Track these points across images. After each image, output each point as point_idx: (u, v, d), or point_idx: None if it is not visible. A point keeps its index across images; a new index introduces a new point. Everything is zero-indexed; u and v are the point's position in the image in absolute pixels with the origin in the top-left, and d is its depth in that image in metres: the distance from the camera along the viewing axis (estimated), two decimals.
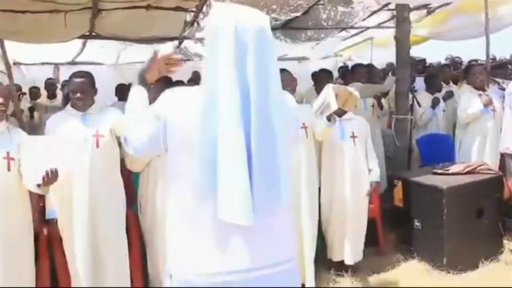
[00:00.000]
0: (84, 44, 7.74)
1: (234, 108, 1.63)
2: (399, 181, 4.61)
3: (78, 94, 3.28)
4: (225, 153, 1.63)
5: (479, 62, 7.72)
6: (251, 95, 1.65)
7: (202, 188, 1.68)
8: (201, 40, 7.53)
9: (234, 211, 1.62)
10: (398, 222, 4.64)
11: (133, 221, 3.70)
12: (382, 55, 9.45)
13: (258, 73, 1.65)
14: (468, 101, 5.13)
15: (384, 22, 7.95)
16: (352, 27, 8.05)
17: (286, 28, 7.40)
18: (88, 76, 3.36)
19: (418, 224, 4.41)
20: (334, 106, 3.62)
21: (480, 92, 5.13)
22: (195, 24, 6.50)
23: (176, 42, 7.95)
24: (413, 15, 7.74)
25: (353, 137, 4.23)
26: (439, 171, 4.58)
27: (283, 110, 1.73)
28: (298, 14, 6.36)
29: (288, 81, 3.68)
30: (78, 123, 3.33)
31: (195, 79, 8.04)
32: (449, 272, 4.12)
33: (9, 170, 3.05)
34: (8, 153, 3.06)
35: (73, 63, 9.17)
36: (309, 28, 7.70)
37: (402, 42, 5.12)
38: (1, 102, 3.04)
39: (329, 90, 3.66)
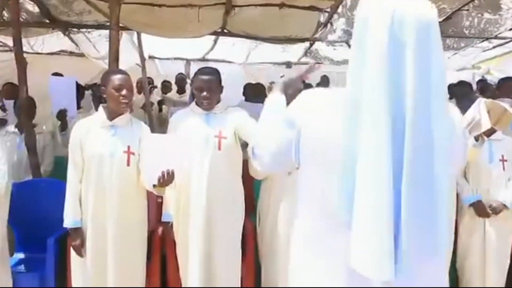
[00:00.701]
0: (215, 41, 7.75)
1: (383, 119, 1.24)
2: None
3: (204, 93, 3.09)
4: (367, 178, 1.25)
5: None
6: (407, 104, 1.25)
7: (336, 215, 1.34)
8: (333, 43, 7.21)
9: (369, 261, 1.25)
10: None
11: (250, 233, 3.47)
12: None
13: (418, 77, 1.25)
14: None
15: None
16: (497, 37, 7.27)
17: None
18: (215, 73, 3.17)
19: None
20: (486, 125, 3.16)
21: None
22: (329, 25, 6.20)
23: (307, 44, 7.70)
24: None
25: (503, 160, 3.67)
26: None
27: (448, 126, 1.31)
28: (440, 19, 5.79)
29: None
30: (201, 122, 3.14)
31: (323, 83, 7.75)
32: None
33: (128, 165, 2.97)
34: (129, 147, 2.98)
35: (203, 59, 9.29)
36: (450, 36, 7.08)
37: None
38: (124, 94, 2.94)
39: (480, 105, 3.20)
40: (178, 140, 2.92)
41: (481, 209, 3.62)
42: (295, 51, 8.16)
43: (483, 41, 7.42)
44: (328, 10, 5.69)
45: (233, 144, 3.14)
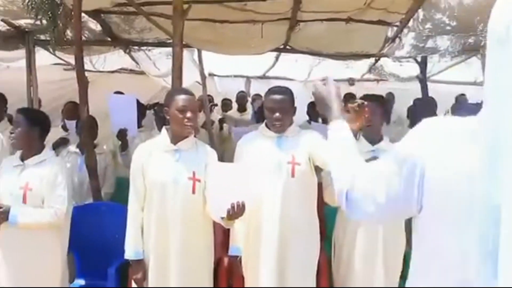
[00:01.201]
0: (277, 58, 7.55)
1: None
2: None
3: (277, 114, 2.83)
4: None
5: None
6: None
7: (466, 281, 1.03)
8: (400, 58, 6.84)
9: None
10: None
11: (325, 267, 3.19)
12: None
13: None
14: None
15: None
16: None
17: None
18: (288, 93, 2.91)
19: None
20: None
21: None
22: (397, 40, 5.85)
23: (372, 60, 7.37)
24: None
25: None
26: None
27: None
28: None
29: None
30: (273, 146, 2.89)
31: (389, 101, 7.39)
32: None
33: (193, 192, 2.73)
34: (194, 173, 2.74)
35: (264, 77, 9.10)
36: None
37: None
38: (188, 117, 2.71)
39: None
40: (247, 169, 2.65)
41: None
42: (359, 68, 7.83)
43: None
44: (398, 24, 5.35)
45: (308, 171, 2.86)
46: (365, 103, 2.05)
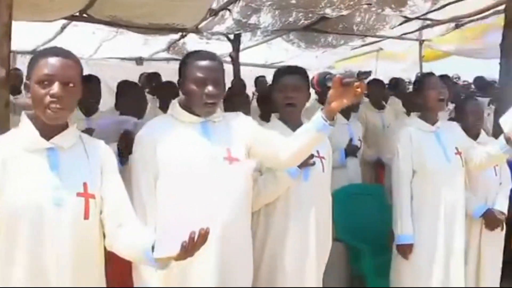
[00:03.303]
0: (62, 28, 6.24)
1: None
2: None
3: (211, 87, 2.02)
4: None
5: None
6: None
7: None
8: (208, 36, 6.28)
9: None
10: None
11: None
12: (388, 68, 8.66)
13: None
14: None
15: (410, 32, 7.14)
16: (372, 36, 7.15)
17: (308, 30, 6.36)
18: (219, 59, 2.15)
19: None
20: None
21: None
22: (222, 13, 5.26)
23: (175, 36, 6.65)
24: (439, 29, 7.07)
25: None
26: None
27: None
28: (348, 11, 5.32)
29: None
30: (198, 136, 2.08)
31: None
32: None
33: (86, 217, 1.70)
34: (86, 186, 1.71)
35: (32, 52, 7.55)
36: (330, 32, 6.75)
37: (509, 51, 4.19)
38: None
39: None
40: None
41: (493, 220, 3.26)
42: (159, 45, 7.04)
43: (363, 38, 7.23)
44: None
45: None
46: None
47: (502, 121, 2.87)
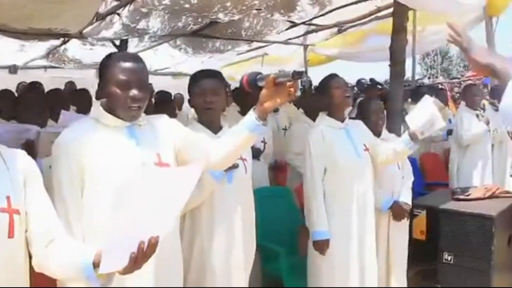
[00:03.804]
0: None
1: None
2: (422, 211, 3.92)
3: (135, 91, 1.89)
4: None
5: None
6: None
7: None
8: (101, 40, 5.97)
9: None
10: (418, 257, 3.91)
11: None
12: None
13: None
14: (469, 120, 4.90)
15: (295, 37, 7.35)
16: (260, 41, 7.25)
17: (197, 35, 6.30)
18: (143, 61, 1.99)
19: (449, 258, 3.82)
20: (440, 124, 2.88)
21: (477, 112, 4.85)
22: (110, 18, 5.01)
23: (55, 42, 6.23)
24: (323, 34, 7.37)
25: None
26: (461, 196, 4.13)
27: None
28: (240, 16, 5.35)
29: None
30: (125, 140, 1.93)
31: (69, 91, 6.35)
32: None
33: (11, 235, 1.51)
34: (9, 200, 1.52)
35: None
36: (219, 38, 6.75)
37: (398, 55, 4.45)
38: None
39: (429, 102, 2.92)
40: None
41: (400, 211, 3.44)
42: (36, 51, 6.57)
43: (250, 43, 7.30)
44: None
45: None
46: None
47: (408, 119, 3.05)
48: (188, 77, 2.64)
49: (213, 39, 6.77)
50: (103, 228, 1.63)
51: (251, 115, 1.90)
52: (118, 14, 4.89)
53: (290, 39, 7.44)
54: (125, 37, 5.70)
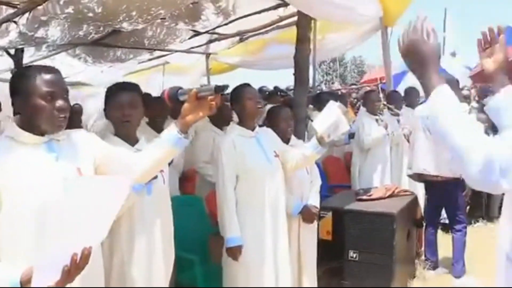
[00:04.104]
0: None
1: None
2: (327, 212, 4.14)
3: (61, 101, 1.87)
4: None
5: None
6: None
7: None
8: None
9: None
10: (326, 256, 4.11)
11: None
12: (176, 81, 8.80)
13: None
14: (369, 125, 5.13)
15: (198, 46, 7.41)
16: (160, 49, 7.23)
17: (98, 44, 6.17)
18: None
19: (354, 255, 4.09)
20: (345, 127, 3.07)
21: (377, 117, 5.14)
22: (6, 25, 4.77)
23: None
24: (225, 43, 7.49)
25: None
26: (364, 197, 4.43)
27: None
28: (144, 25, 5.30)
29: None
30: (44, 156, 1.88)
31: None
32: None
33: None
34: None
35: None
36: (120, 47, 6.65)
37: (302, 63, 4.64)
38: None
39: (335, 107, 3.09)
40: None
41: (310, 215, 3.57)
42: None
43: (152, 52, 7.23)
44: (18, 4, 4.35)
45: None
46: None
47: (315, 124, 3.20)
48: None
49: (114, 48, 6.66)
50: (26, 246, 1.59)
51: (173, 128, 1.93)
52: (15, 22, 4.67)
53: (192, 47, 7.49)
54: (21, 46, 5.45)
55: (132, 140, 2.55)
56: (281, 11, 5.94)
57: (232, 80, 8.50)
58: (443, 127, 1.36)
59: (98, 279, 2.05)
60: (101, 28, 5.38)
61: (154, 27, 5.91)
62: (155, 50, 6.99)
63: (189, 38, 6.62)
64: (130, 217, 2.44)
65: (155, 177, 2.40)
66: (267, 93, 7.76)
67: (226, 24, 6.03)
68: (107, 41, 6.03)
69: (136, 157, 2.07)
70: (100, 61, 7.14)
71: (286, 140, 3.56)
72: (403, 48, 1.46)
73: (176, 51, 7.50)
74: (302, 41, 4.66)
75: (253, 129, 3.25)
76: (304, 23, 4.75)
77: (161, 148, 1.97)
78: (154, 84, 8.66)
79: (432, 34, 1.42)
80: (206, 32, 6.42)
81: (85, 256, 1.43)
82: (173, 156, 2.05)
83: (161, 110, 4.04)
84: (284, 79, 21.80)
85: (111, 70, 8.11)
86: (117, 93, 2.54)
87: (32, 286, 1.39)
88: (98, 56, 6.91)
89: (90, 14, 4.49)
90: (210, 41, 7.25)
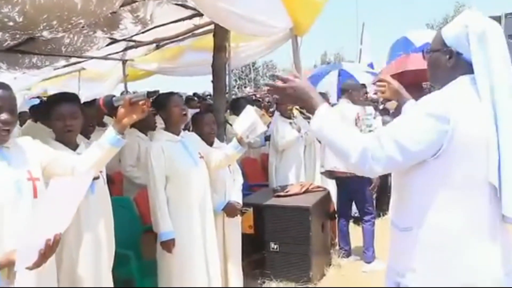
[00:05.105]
0: None
1: None
2: (249, 208, 4.52)
3: (6, 115, 2.07)
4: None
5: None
6: None
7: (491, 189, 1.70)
8: None
9: None
10: (249, 249, 4.46)
11: None
12: (93, 87, 8.86)
13: None
14: (283, 128, 5.49)
15: (115, 53, 7.51)
16: (79, 56, 7.26)
17: (12, 51, 6.16)
18: (10, 87, 2.15)
19: (275, 246, 4.51)
20: (263, 128, 3.44)
21: (290, 120, 5.49)
22: None
23: None
24: (142, 50, 7.65)
25: None
26: (281, 193, 4.83)
27: None
28: (64, 34, 5.39)
29: None
30: None
31: None
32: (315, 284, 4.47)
33: None
34: None
35: None
36: (37, 54, 6.64)
37: (219, 71, 4.95)
38: None
39: (251, 111, 3.48)
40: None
41: (232, 210, 3.92)
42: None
43: (68, 59, 7.23)
44: None
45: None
46: None
47: (235, 126, 3.54)
48: None
49: (30, 54, 6.63)
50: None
51: (112, 130, 2.22)
52: None
53: (109, 54, 7.57)
54: None
55: (73, 145, 2.79)
56: (197, 20, 6.20)
57: (148, 86, 8.66)
58: (325, 137, 1.82)
59: (51, 274, 2.27)
60: (17, 36, 5.40)
61: (72, 35, 5.98)
62: (72, 57, 7.01)
63: (107, 46, 6.72)
64: (77, 214, 2.63)
65: (97, 177, 2.65)
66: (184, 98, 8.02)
67: (143, 32, 6.20)
68: (23, 48, 6.02)
69: (79, 158, 2.34)
70: (15, 68, 7.04)
71: (210, 143, 3.87)
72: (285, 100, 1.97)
73: (93, 57, 7.55)
74: (219, 50, 4.98)
75: (178, 134, 3.53)
76: (220, 33, 5.05)
77: (102, 148, 2.27)
78: (70, 90, 8.63)
79: (291, 77, 1.86)
80: (124, 39, 6.56)
81: (57, 241, 1.76)
82: (113, 155, 2.35)
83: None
84: (200, 85, 22.02)
85: (25, 77, 8.01)
86: (59, 104, 2.75)
87: (15, 269, 1.68)
88: (13, 62, 6.83)
89: (11, 23, 4.53)
90: (127, 48, 7.37)
